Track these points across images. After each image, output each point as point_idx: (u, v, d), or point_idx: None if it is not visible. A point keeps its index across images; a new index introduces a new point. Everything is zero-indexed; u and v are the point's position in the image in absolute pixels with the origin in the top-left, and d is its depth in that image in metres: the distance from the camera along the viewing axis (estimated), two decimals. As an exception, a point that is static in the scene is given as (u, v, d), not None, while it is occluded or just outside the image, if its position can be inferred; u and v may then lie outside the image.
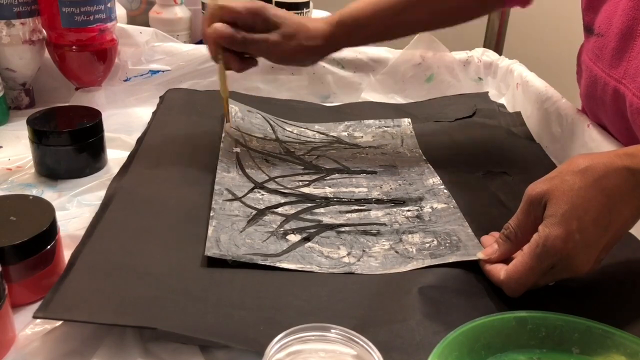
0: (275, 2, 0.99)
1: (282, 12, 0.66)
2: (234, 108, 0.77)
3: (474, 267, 0.49)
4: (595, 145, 0.65)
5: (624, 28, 0.58)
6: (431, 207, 0.60)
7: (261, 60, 0.67)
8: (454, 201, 0.61)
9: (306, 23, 0.67)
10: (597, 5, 0.63)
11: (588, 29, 0.66)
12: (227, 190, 0.59)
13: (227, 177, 0.62)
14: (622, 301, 0.48)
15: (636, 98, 0.57)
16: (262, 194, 0.61)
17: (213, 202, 0.57)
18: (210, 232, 0.52)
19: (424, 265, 0.50)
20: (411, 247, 0.54)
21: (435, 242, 0.54)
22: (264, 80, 0.90)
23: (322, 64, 0.89)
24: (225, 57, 0.65)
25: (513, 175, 0.67)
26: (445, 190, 0.63)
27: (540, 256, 0.44)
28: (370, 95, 0.91)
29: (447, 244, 0.54)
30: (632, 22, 0.58)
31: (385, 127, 0.80)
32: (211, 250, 0.49)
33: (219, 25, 0.62)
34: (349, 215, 0.59)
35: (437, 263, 0.50)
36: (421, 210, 0.60)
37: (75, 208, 0.59)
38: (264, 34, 0.64)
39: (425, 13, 0.71)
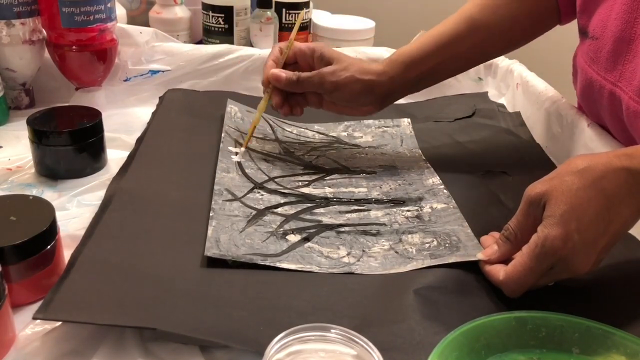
0: (276, 2, 0.99)
1: (338, 52, 0.68)
2: (234, 108, 0.77)
3: (473, 268, 0.49)
4: (595, 145, 0.65)
5: (618, 32, 0.58)
6: (431, 207, 0.60)
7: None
8: (453, 201, 0.61)
9: (360, 60, 0.69)
10: (592, 8, 0.63)
11: (583, 32, 0.66)
12: (227, 191, 0.59)
13: (227, 177, 0.62)
14: (622, 301, 0.48)
15: (632, 101, 0.57)
16: (262, 194, 0.61)
17: (213, 202, 0.57)
18: (210, 232, 0.52)
19: (424, 266, 0.50)
20: (411, 248, 0.54)
21: (435, 243, 0.54)
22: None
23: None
24: (274, 94, 0.68)
25: (513, 175, 0.67)
26: (445, 190, 0.63)
27: (539, 257, 0.44)
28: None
29: (447, 244, 0.54)
30: (627, 25, 0.58)
31: (384, 127, 0.80)
32: (211, 251, 0.49)
33: (276, 71, 0.67)
34: (348, 215, 0.59)
35: (436, 264, 0.50)
36: (421, 210, 0.60)
37: (75, 208, 0.59)
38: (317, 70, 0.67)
39: (478, 41, 0.68)
